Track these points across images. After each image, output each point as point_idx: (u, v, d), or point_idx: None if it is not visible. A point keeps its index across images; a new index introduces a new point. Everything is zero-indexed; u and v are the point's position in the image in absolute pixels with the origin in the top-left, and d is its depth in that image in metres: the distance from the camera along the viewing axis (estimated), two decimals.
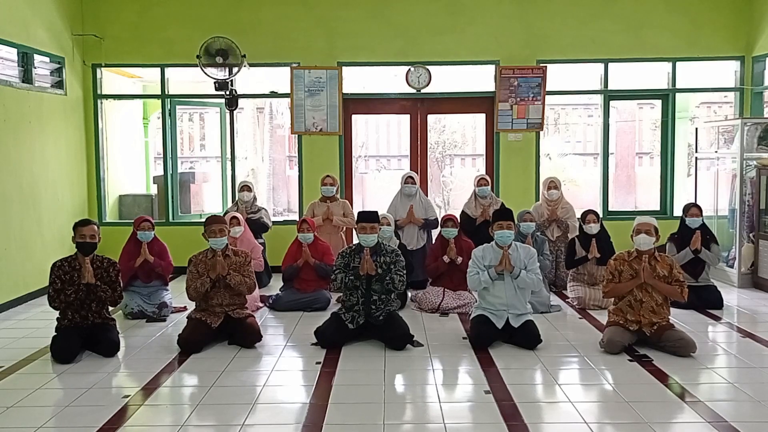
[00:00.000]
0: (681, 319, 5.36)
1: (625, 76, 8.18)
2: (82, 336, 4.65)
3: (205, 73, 7.26)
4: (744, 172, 6.81)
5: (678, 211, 7.28)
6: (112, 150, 8.14)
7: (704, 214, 6.12)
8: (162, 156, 8.33)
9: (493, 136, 7.89)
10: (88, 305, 4.67)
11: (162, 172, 8.31)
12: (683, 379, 4.06)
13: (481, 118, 8.38)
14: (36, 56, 6.79)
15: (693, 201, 6.76)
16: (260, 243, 6.88)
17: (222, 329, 4.87)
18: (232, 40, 7.19)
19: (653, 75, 8.12)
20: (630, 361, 4.42)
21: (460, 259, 5.88)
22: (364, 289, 4.87)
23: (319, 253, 6.11)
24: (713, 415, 3.51)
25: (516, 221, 5.51)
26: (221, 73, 7.28)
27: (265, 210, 7.27)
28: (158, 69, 7.85)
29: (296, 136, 7.98)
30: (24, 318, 5.88)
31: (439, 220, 6.42)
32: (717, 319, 5.59)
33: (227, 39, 7.18)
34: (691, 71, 8.16)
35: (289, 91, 7.78)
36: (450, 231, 5.99)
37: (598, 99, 8.08)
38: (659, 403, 3.71)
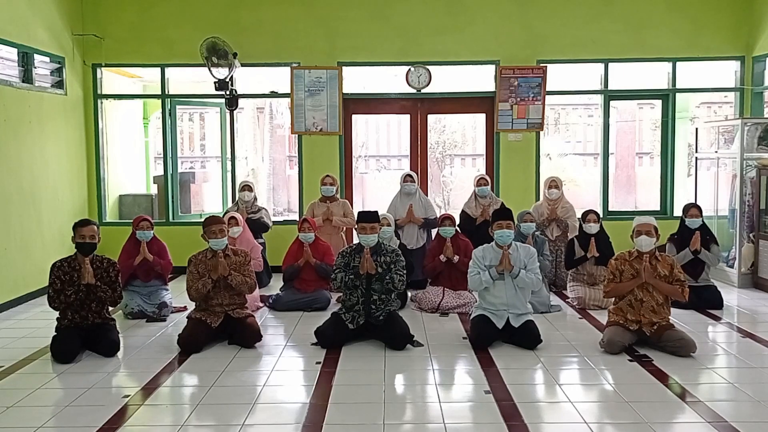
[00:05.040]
0: (681, 319, 5.36)
1: (625, 76, 8.17)
2: (82, 336, 4.65)
3: (212, 74, 7.26)
4: (744, 172, 6.81)
5: (678, 212, 7.28)
6: (112, 150, 8.14)
7: (704, 214, 6.12)
8: (162, 156, 8.34)
9: (493, 136, 7.89)
10: (88, 305, 4.67)
11: (162, 172, 8.31)
12: (683, 379, 4.05)
13: (481, 118, 8.38)
14: (36, 56, 6.79)
15: (693, 201, 6.76)
16: (260, 243, 6.87)
17: (222, 329, 4.87)
18: (223, 39, 7.19)
19: (653, 75, 8.12)
20: (630, 361, 4.41)
21: (456, 258, 5.88)
22: (364, 289, 4.87)
23: (319, 253, 6.11)
24: (713, 415, 3.51)
25: (516, 221, 5.51)
26: (221, 72, 7.28)
27: (266, 210, 7.26)
28: (158, 69, 7.85)
29: (296, 136, 7.98)
30: (24, 318, 5.88)
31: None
32: (717, 319, 5.58)
33: (217, 38, 7.18)
34: (691, 71, 8.16)
35: (289, 91, 7.78)
36: (447, 230, 5.99)
37: (598, 99, 8.08)
38: (659, 403, 3.71)
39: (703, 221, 6.03)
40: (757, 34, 7.60)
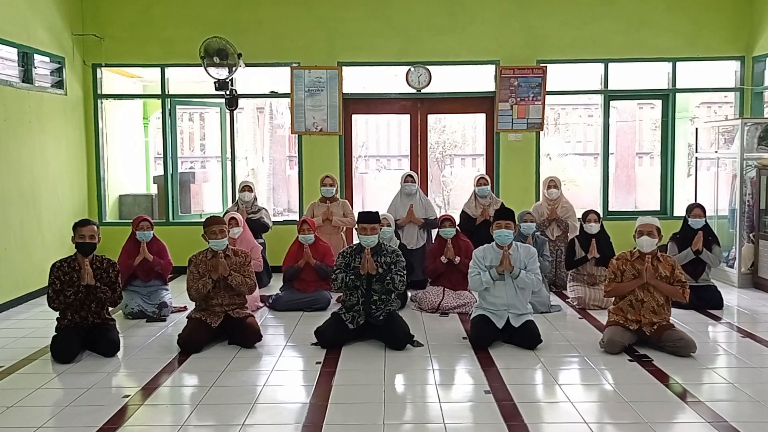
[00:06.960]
0: (681, 319, 5.36)
1: (625, 76, 8.17)
2: (82, 336, 4.65)
3: (209, 74, 7.26)
4: (744, 172, 6.81)
5: (678, 212, 7.28)
6: (112, 150, 8.14)
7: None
8: (162, 156, 8.34)
9: (493, 136, 7.89)
10: (88, 306, 4.67)
11: (162, 172, 8.31)
12: (683, 379, 4.06)
13: (481, 118, 8.38)
14: (36, 56, 6.79)
15: (694, 201, 6.75)
16: (260, 243, 6.88)
17: (222, 329, 4.87)
18: (227, 39, 7.20)
19: (653, 75, 8.12)
20: (630, 361, 4.42)
21: (458, 259, 5.88)
22: (364, 289, 4.87)
23: (319, 253, 6.11)
24: (713, 415, 3.51)
25: (516, 222, 5.50)
26: (220, 72, 7.28)
27: (266, 210, 7.27)
28: (158, 69, 7.85)
29: (296, 136, 7.98)
30: (24, 318, 5.88)
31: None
32: (717, 319, 5.59)
33: (222, 39, 7.18)
34: (691, 71, 8.16)
35: (289, 91, 7.78)
36: (447, 231, 5.99)
37: (598, 99, 8.08)
38: (659, 403, 3.71)
39: (706, 221, 6.03)
40: (757, 34, 7.60)
